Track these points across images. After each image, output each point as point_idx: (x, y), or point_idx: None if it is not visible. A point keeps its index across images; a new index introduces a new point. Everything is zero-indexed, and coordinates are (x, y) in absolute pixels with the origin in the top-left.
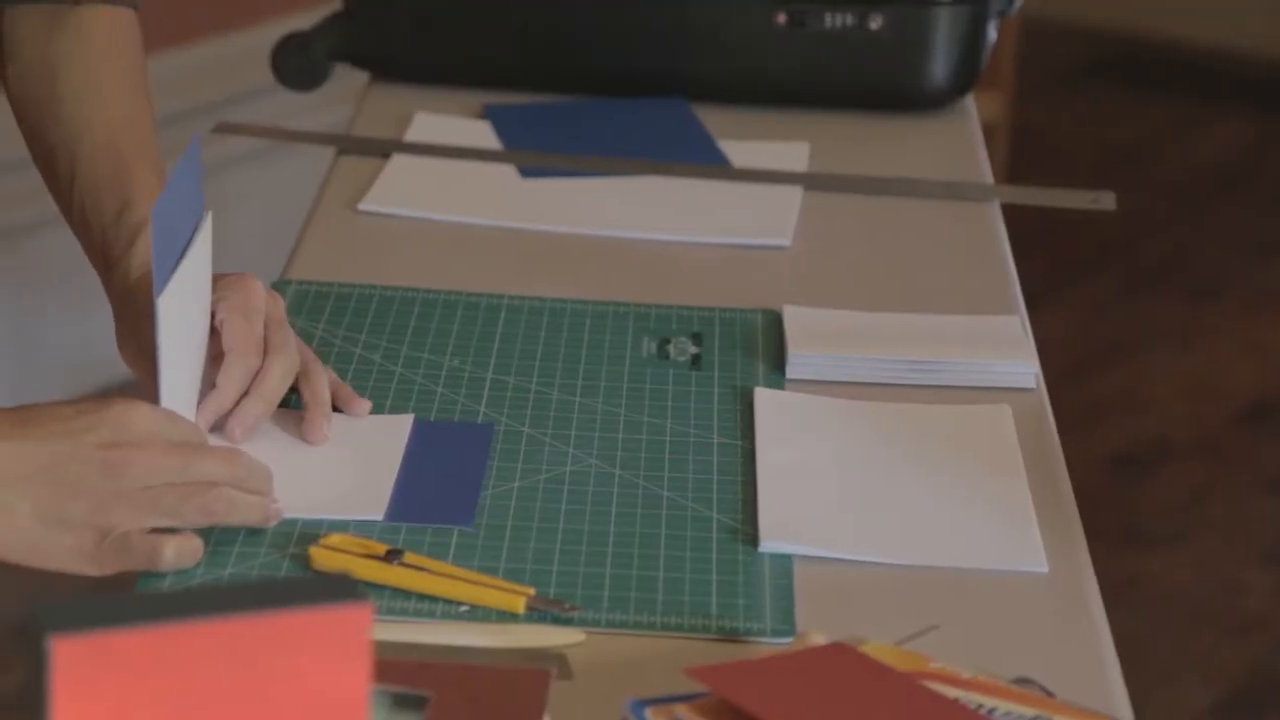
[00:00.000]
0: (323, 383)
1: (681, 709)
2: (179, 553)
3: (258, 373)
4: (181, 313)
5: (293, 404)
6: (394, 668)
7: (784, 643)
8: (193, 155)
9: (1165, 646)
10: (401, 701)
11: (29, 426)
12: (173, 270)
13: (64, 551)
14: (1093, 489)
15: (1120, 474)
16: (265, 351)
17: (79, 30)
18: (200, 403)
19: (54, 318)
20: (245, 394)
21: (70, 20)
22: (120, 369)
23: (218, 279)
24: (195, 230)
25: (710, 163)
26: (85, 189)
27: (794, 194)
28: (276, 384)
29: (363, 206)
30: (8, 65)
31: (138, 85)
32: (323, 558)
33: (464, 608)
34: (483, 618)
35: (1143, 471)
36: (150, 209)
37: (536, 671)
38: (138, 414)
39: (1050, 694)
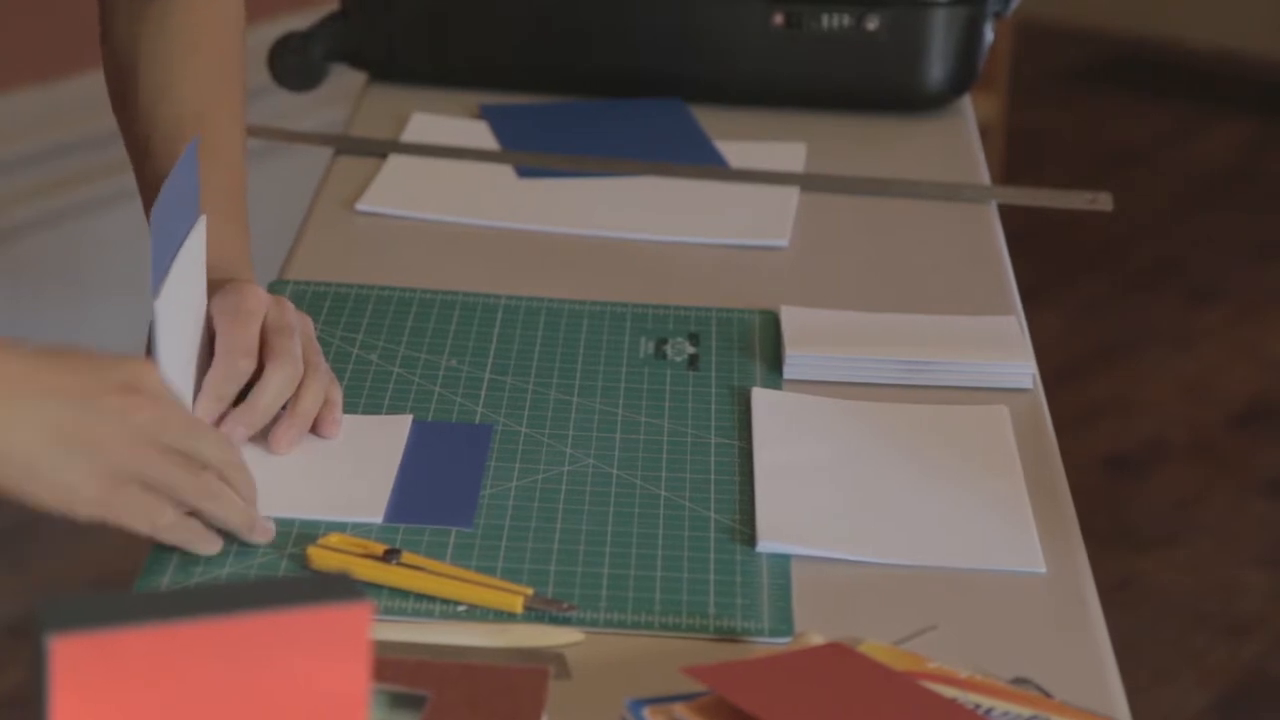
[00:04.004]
0: (311, 397)
1: (680, 708)
2: (176, 526)
3: (256, 384)
4: (176, 315)
5: None
6: (392, 667)
7: (782, 642)
8: (190, 158)
9: (1160, 648)
10: (400, 701)
11: (54, 358)
12: (168, 271)
13: (61, 484)
14: (1087, 490)
15: (1115, 475)
16: (264, 359)
17: (161, 22)
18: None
19: (49, 317)
20: (238, 404)
21: (154, 10)
22: None
23: (217, 285)
24: (189, 232)
25: (707, 163)
26: (151, 185)
27: (791, 194)
28: (270, 398)
29: (360, 206)
30: (102, 45)
31: (220, 77)
32: (321, 557)
33: (462, 607)
34: (481, 617)
35: (1138, 473)
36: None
37: (535, 671)
38: (153, 372)
39: (1048, 694)
